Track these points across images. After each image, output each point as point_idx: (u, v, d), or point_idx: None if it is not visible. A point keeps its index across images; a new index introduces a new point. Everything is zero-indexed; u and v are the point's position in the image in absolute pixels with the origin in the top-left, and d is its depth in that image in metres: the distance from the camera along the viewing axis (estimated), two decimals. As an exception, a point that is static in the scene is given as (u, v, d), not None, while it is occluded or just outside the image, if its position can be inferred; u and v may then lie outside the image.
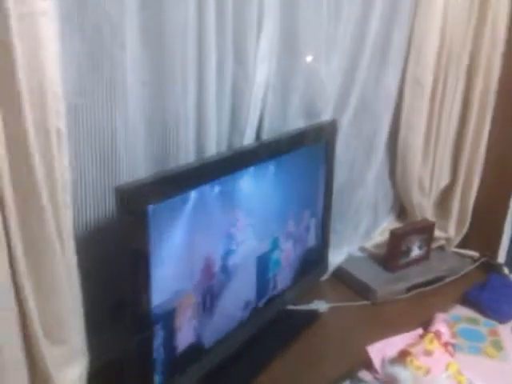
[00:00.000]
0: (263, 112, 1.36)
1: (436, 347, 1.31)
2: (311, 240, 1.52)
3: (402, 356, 1.27)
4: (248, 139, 1.33)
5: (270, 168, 1.28)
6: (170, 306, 1.06)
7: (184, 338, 1.11)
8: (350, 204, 1.67)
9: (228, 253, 1.19)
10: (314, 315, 1.49)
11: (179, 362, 1.11)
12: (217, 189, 1.12)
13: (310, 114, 1.49)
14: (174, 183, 1.02)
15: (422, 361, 1.27)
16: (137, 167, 1.16)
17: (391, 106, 1.65)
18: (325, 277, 1.65)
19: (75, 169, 1.05)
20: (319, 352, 1.37)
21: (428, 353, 1.30)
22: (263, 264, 1.32)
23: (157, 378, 1.06)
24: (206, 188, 1.09)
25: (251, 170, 1.21)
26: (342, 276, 1.66)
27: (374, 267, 1.69)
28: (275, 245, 1.35)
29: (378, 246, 1.74)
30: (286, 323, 1.44)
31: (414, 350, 1.29)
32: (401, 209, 1.86)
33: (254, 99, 1.30)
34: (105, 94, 1.05)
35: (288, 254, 1.42)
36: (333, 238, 1.63)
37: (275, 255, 1.36)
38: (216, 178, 1.11)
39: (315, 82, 1.44)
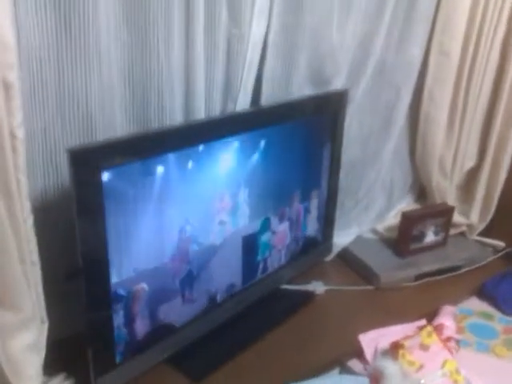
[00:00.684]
0: (261, 77, 1.26)
1: (434, 342, 1.20)
2: (313, 221, 1.43)
3: (394, 348, 1.17)
4: (242, 107, 1.23)
5: (262, 138, 1.18)
6: (133, 281, 1.00)
7: (148, 315, 1.06)
8: (361, 182, 1.56)
9: (205, 231, 1.12)
10: (308, 296, 1.40)
11: (142, 338, 1.06)
12: (192, 158, 1.03)
13: (318, 82, 1.37)
14: (136, 148, 0.95)
15: (415, 355, 1.16)
16: (114, 130, 1.09)
17: (413, 76, 1.50)
18: (329, 258, 1.56)
19: (38, 128, 1.00)
20: (310, 335, 1.28)
21: (424, 347, 1.19)
22: (250, 246, 1.24)
23: (117, 355, 1.02)
24: (176, 156, 1.01)
25: (237, 139, 1.12)
26: (347, 258, 1.56)
27: (384, 251, 1.57)
28: (266, 226, 1.27)
29: (391, 228, 1.61)
30: (278, 303, 1.36)
31: (407, 343, 1.18)
32: (421, 190, 1.72)
33: (249, 61, 1.19)
34: (74, 50, 0.97)
35: (282, 237, 1.33)
36: (340, 219, 1.54)
37: (265, 237, 1.28)
38: (189, 145, 1.03)
39: (324, 44, 1.31)
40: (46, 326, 1.02)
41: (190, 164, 1.03)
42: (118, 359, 1.02)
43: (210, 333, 1.20)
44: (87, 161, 0.87)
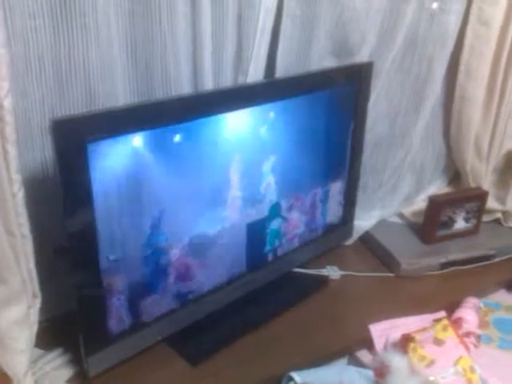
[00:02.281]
0: (276, 48, 1.18)
1: (449, 337, 1.10)
2: (333, 203, 1.34)
3: (404, 341, 1.09)
4: (254, 79, 1.16)
5: (275, 114, 1.11)
6: (124, 258, 0.96)
7: (142, 294, 1.02)
8: (387, 162, 1.45)
9: (200, 214, 1.06)
10: (322, 281, 1.33)
11: (137, 317, 1.03)
12: (189, 132, 0.97)
13: (341, 54, 1.28)
14: (125, 120, 0.90)
15: (427, 350, 1.08)
16: (116, 101, 1.05)
17: (448, 48, 1.37)
18: (350, 242, 1.48)
19: (35, 99, 0.97)
20: (320, 322, 1.22)
21: (438, 342, 1.10)
22: (256, 233, 1.18)
23: (109, 333, 0.99)
24: (169, 130, 0.95)
25: (245, 114, 1.05)
26: (368, 243, 1.47)
27: (408, 237, 1.47)
28: (275, 212, 1.20)
29: (419, 213, 1.51)
30: (289, 287, 1.30)
31: (420, 336, 1.09)
32: (454, 173, 1.60)
33: (261, 29, 1.11)
34: (70, 18, 0.93)
35: (295, 224, 1.26)
36: (363, 200, 1.45)
37: (275, 224, 1.21)
38: (185, 119, 0.96)
39: (347, 11, 1.21)
40: (38, 300, 1.01)
41: (187, 139, 0.97)
42: (110, 338, 1.00)
43: (212, 315, 1.16)
44: (72, 132, 0.83)
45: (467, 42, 1.35)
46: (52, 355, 1.05)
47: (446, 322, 1.14)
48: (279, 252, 1.26)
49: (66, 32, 0.95)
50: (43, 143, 1.02)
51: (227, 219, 1.11)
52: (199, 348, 1.12)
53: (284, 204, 1.22)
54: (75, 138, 0.83)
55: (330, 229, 1.37)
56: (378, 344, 1.15)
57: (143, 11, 1.01)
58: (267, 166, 1.14)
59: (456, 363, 1.07)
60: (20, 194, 0.91)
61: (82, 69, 0.99)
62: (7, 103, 0.84)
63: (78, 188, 0.86)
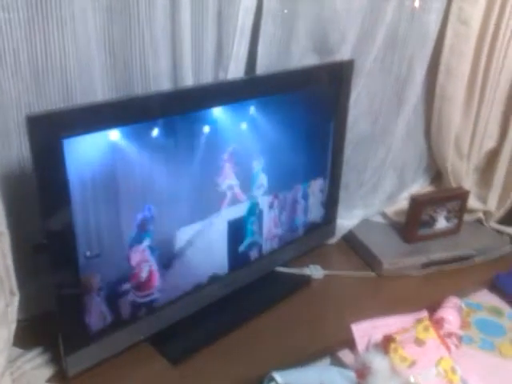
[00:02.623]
0: (256, 44, 1.17)
1: (430, 337, 1.10)
2: (314, 202, 1.34)
3: (385, 342, 1.08)
4: (234, 76, 1.15)
5: (254, 111, 1.10)
6: (103, 256, 0.94)
7: (122, 292, 1.00)
8: (368, 161, 1.45)
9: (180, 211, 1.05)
10: (304, 281, 1.32)
11: (117, 316, 1.01)
12: (163, 129, 0.96)
13: (322, 52, 1.27)
14: (102, 116, 0.88)
15: (408, 351, 1.07)
16: (94, 98, 1.03)
17: (428, 47, 1.37)
18: (333, 241, 1.47)
19: (11, 96, 0.95)
20: (302, 321, 1.21)
21: (419, 342, 1.09)
22: (236, 231, 1.17)
23: (89, 333, 0.97)
24: (146, 126, 0.93)
25: (224, 110, 1.04)
26: (351, 242, 1.47)
27: (390, 236, 1.46)
28: (254, 210, 1.20)
29: (401, 212, 1.50)
30: (271, 286, 1.28)
31: (401, 337, 1.08)
32: (436, 172, 1.60)
33: (241, 27, 1.10)
34: (45, 12, 0.91)
35: (276, 222, 1.26)
36: (345, 199, 1.44)
37: (255, 222, 1.21)
38: (161, 115, 0.95)
39: (327, 10, 1.20)
40: (16, 298, 0.98)
41: (162, 135, 0.96)
42: (89, 337, 0.98)
43: (193, 315, 1.14)
44: (47, 128, 0.81)
45: (447, 41, 1.35)
46: (31, 354, 1.02)
47: (427, 322, 1.13)
48: (261, 251, 1.25)
49: (41, 27, 0.93)
50: (20, 140, 1.00)
51: (208, 217, 1.10)
52: (180, 347, 1.10)
53: (264, 202, 1.21)
54: (50, 133, 0.82)
55: (312, 227, 1.36)
56: (360, 344, 1.14)
57: (121, 5, 0.99)
58: (248, 164, 1.14)
59: (437, 364, 1.07)
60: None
61: (58, 64, 0.97)
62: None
63: (55, 184, 0.84)
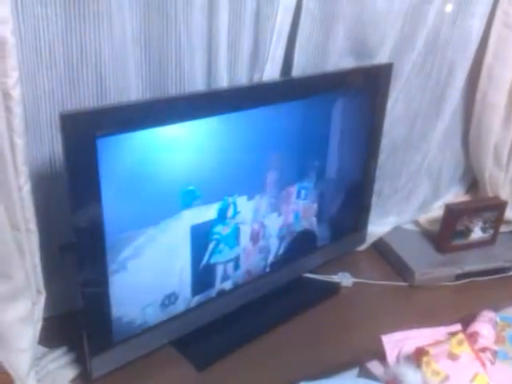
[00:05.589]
0: (293, 47, 1.14)
1: (464, 351, 1.06)
2: (347, 208, 1.30)
3: (418, 354, 1.05)
4: (269, 77, 1.13)
5: (289, 114, 1.07)
6: (131, 256, 0.93)
7: (149, 294, 0.99)
8: (403, 168, 1.41)
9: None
10: (333, 288, 1.29)
11: (144, 319, 1.00)
12: (198, 130, 0.94)
13: (360, 54, 1.24)
14: (136, 115, 0.86)
15: (441, 365, 1.03)
16: (128, 96, 1.02)
17: (470, 52, 1.32)
18: (363, 247, 1.44)
19: (44, 90, 0.95)
20: (330, 330, 1.18)
21: (452, 356, 1.06)
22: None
23: (115, 335, 0.96)
24: (180, 127, 0.91)
25: (259, 112, 1.01)
26: (382, 250, 1.43)
27: (423, 245, 1.43)
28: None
29: (435, 221, 1.46)
30: (299, 293, 1.26)
31: (434, 350, 1.05)
32: (472, 181, 1.55)
33: (279, 28, 1.08)
34: (83, 7, 0.90)
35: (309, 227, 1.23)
36: (377, 206, 1.41)
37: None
38: (197, 117, 0.93)
39: (367, 12, 1.17)
40: (42, 297, 0.98)
41: (196, 136, 0.94)
42: (115, 339, 0.96)
43: (220, 319, 1.12)
44: (81, 127, 0.80)
45: (490, 45, 1.31)
46: (56, 354, 1.02)
47: (461, 336, 1.09)
48: (290, 256, 1.23)
49: (77, 22, 0.92)
50: (52, 135, 1.00)
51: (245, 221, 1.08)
52: (205, 352, 1.08)
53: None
54: (84, 132, 0.80)
55: (343, 234, 1.33)
56: (391, 356, 1.10)
57: (158, 3, 0.98)
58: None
59: (472, 380, 1.03)
60: (26, 187, 0.88)
61: (93, 61, 0.96)
62: (16, 94, 0.81)
63: (87, 183, 0.83)
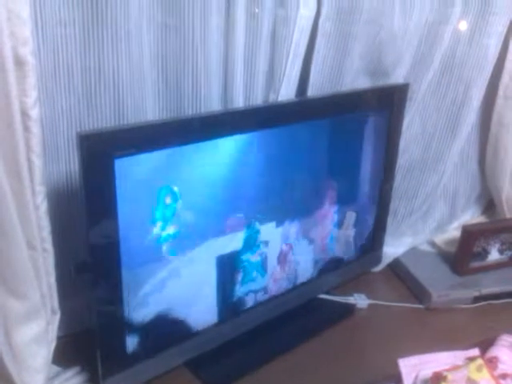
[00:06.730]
0: (309, 67, 1.14)
1: (484, 378, 1.03)
2: (362, 228, 1.29)
3: (435, 379, 1.02)
4: (285, 98, 1.13)
5: (306, 134, 1.07)
6: (145, 280, 0.93)
7: (164, 314, 0.98)
8: (419, 188, 1.40)
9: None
10: (348, 310, 1.28)
11: (158, 339, 0.99)
12: (215, 150, 0.94)
13: (375, 74, 1.24)
14: (154, 135, 0.86)
15: (460, 391, 1.02)
16: (145, 116, 1.02)
17: (487, 71, 1.32)
18: (378, 268, 1.42)
19: (62, 109, 0.95)
20: (345, 353, 1.16)
21: (472, 383, 1.03)
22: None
23: (128, 355, 0.95)
24: (197, 148, 0.91)
25: (274, 133, 1.02)
26: (398, 271, 1.41)
27: (440, 266, 1.40)
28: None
29: (451, 242, 1.44)
30: (313, 314, 1.24)
31: (452, 375, 1.02)
32: (489, 202, 1.54)
33: (295, 48, 1.08)
34: (101, 28, 0.91)
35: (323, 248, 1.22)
36: (393, 226, 1.40)
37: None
38: (214, 137, 0.93)
39: (384, 32, 1.17)
40: (57, 316, 0.97)
41: (212, 157, 0.94)
42: (128, 359, 0.95)
43: (235, 340, 1.11)
44: (99, 147, 0.80)
45: (507, 65, 1.31)
46: (69, 373, 1.01)
47: (481, 361, 1.06)
48: (305, 276, 1.21)
49: (96, 42, 0.93)
50: (69, 155, 1.00)
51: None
52: (219, 374, 1.07)
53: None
54: (102, 152, 0.80)
55: (359, 254, 1.32)
56: (407, 380, 1.07)
57: (176, 24, 0.99)
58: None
59: (491, 407, 1.00)
60: (43, 207, 0.88)
61: (111, 81, 0.96)
62: (34, 113, 0.81)
63: (103, 203, 0.83)
